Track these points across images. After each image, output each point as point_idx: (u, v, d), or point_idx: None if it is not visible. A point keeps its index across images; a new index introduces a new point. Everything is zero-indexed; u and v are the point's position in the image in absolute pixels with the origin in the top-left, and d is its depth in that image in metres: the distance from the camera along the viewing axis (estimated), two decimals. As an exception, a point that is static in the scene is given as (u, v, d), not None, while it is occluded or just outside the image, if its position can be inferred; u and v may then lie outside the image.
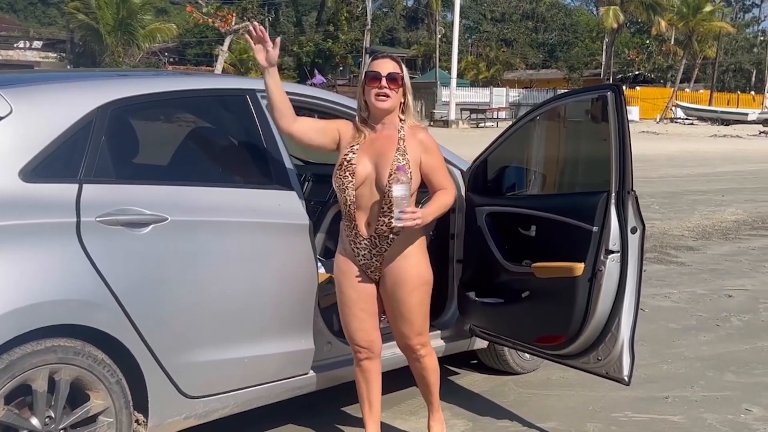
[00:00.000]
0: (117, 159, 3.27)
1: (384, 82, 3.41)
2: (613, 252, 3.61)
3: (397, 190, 3.28)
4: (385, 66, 3.43)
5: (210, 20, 34.57)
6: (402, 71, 3.45)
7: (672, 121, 49.04)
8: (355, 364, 3.67)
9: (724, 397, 4.63)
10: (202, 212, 3.35)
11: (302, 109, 4.27)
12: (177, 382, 3.26)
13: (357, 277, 3.54)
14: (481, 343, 4.56)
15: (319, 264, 4.14)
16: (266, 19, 60.89)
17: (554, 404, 4.53)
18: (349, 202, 3.45)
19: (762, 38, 69.25)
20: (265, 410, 3.77)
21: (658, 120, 48.65)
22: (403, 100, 3.49)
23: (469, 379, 4.86)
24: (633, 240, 3.63)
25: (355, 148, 3.47)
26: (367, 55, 52.74)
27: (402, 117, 3.51)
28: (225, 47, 33.78)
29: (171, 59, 47.59)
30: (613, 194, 3.59)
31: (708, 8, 51.84)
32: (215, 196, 3.44)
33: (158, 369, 3.19)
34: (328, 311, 3.96)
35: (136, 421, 3.20)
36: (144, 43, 35.82)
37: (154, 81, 3.85)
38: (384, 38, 67.40)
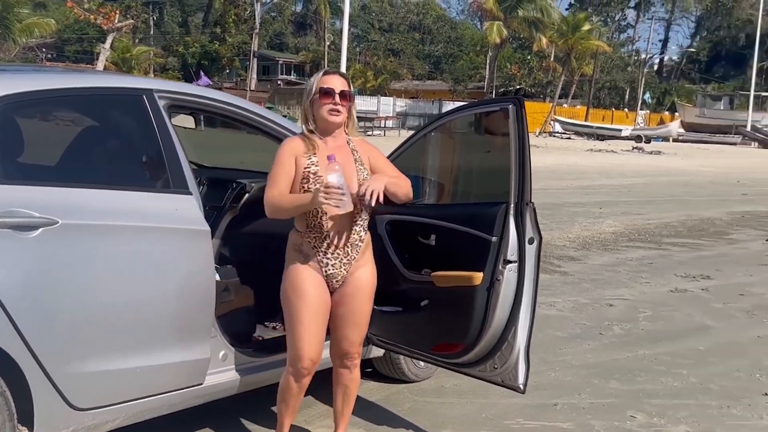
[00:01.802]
0: (4, 158, 3.08)
1: (337, 98, 3.48)
2: (511, 262, 3.67)
3: (333, 178, 3.27)
4: (337, 82, 3.51)
5: (92, 17, 33.44)
6: (350, 88, 3.57)
7: (551, 135, 50.75)
8: (294, 379, 3.58)
9: (610, 404, 4.79)
10: (95, 216, 3.19)
11: (202, 111, 4.16)
12: (65, 393, 3.09)
13: (321, 289, 3.51)
14: (377, 352, 4.55)
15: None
16: (150, 17, 59.45)
17: (448, 412, 4.57)
18: (320, 214, 3.43)
19: (636, 58, 72.75)
20: (181, 414, 3.66)
21: (537, 134, 50.23)
22: (347, 114, 3.58)
23: (364, 388, 4.83)
24: (530, 250, 3.70)
25: (314, 159, 3.45)
26: (255, 59, 52.29)
27: (346, 130, 3.60)
28: (107, 45, 32.70)
29: (48, 55, 45.73)
30: (512, 205, 3.66)
31: (586, 27, 54.03)
32: (109, 199, 3.29)
33: (45, 379, 3.02)
34: (225, 319, 3.86)
35: (20, 435, 3.02)
36: (20, 38, 34.25)
37: (46, 77, 3.64)
38: (272, 42, 67.00)
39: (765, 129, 56.83)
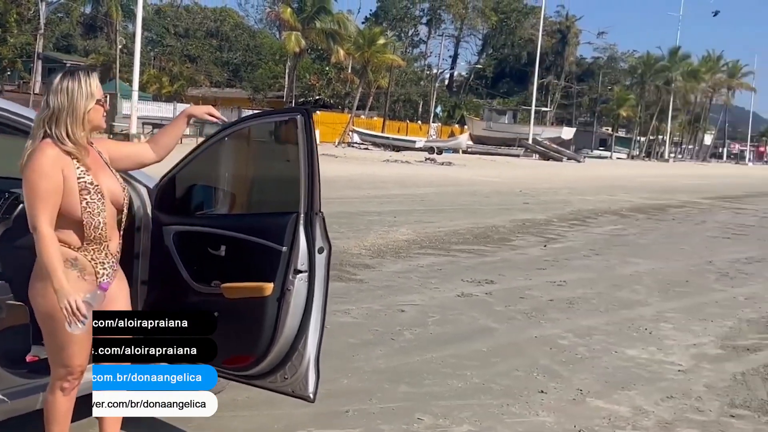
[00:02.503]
0: None
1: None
2: (301, 272, 3.69)
3: (89, 302, 3.13)
4: None
5: None
6: None
7: (349, 146, 51.71)
8: (62, 394, 3.37)
9: (399, 408, 4.93)
10: None
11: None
12: None
13: None
14: (166, 367, 4.40)
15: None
16: None
17: (240, 425, 4.51)
18: (101, 224, 3.25)
19: (428, 72, 75.76)
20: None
21: (336, 144, 51.06)
22: None
23: (152, 405, 4.67)
24: (320, 260, 3.74)
25: (83, 168, 3.24)
26: (39, 61, 49.26)
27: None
28: None
29: None
30: (302, 215, 3.68)
31: (381, 41, 55.60)
32: None
33: None
34: (-6, 340, 3.60)
35: None
36: None
37: None
38: (59, 44, 63.45)
39: (545, 142, 61.10)
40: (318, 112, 56.49)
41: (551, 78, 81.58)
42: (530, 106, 64.72)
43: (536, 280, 9.66)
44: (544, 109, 74.80)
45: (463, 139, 59.26)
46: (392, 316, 7.37)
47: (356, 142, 53.34)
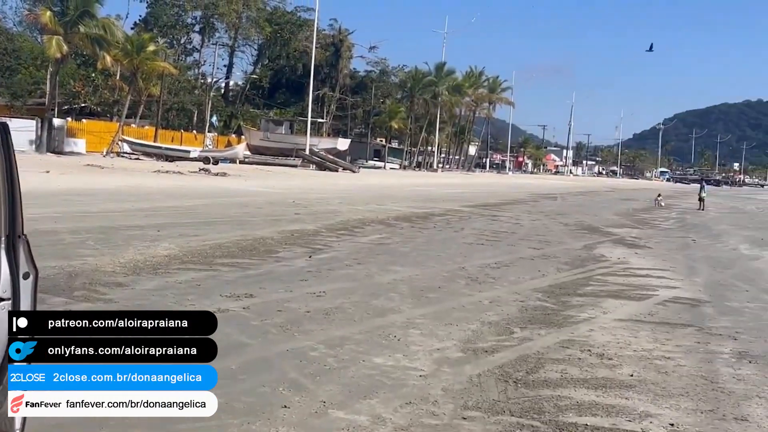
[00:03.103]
0: None
1: None
2: (3, 300, 3.42)
3: None
4: None
5: None
6: None
7: (119, 156, 49.64)
8: None
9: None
10: None
11: None
12: None
13: None
14: None
15: None
16: None
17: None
18: None
19: (203, 81, 74.36)
20: None
21: (104, 153, 48.84)
22: None
23: None
24: (26, 286, 3.49)
25: None
26: None
27: None
28: None
29: None
30: (3, 239, 3.42)
31: (151, 48, 53.96)
32: None
33: None
34: None
35: None
36: None
37: None
38: None
39: (321, 152, 62.04)
40: (84, 120, 53.84)
41: (327, 90, 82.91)
42: (307, 117, 65.39)
43: (297, 292, 9.69)
44: (320, 120, 75.89)
45: (240, 150, 58.82)
46: (140, 337, 7.06)
47: (126, 152, 51.28)
